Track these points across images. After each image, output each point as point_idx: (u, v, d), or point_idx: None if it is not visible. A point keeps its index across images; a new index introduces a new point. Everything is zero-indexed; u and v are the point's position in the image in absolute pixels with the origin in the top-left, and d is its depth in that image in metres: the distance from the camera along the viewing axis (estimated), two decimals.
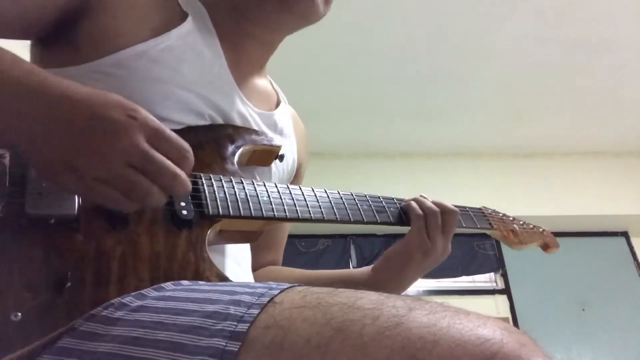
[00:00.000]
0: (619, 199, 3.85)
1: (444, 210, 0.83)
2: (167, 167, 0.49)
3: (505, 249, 3.86)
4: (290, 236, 1.01)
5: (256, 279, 0.86)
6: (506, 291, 3.74)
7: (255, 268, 0.90)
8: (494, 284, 3.84)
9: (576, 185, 3.88)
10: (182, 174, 0.50)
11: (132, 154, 0.48)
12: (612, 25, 2.88)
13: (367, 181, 3.65)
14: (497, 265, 3.83)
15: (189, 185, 0.52)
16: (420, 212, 0.81)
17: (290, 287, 0.45)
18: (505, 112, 3.65)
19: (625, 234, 4.02)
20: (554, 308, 3.65)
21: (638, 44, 3.02)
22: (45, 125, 0.47)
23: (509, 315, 3.61)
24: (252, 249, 0.82)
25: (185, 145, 0.52)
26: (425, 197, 0.85)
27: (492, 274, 3.88)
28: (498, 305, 3.67)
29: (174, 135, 0.51)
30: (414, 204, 0.83)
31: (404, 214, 0.82)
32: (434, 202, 0.84)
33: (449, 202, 0.86)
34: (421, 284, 3.74)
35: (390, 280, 0.83)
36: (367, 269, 0.87)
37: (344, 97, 3.45)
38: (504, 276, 3.79)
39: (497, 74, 3.26)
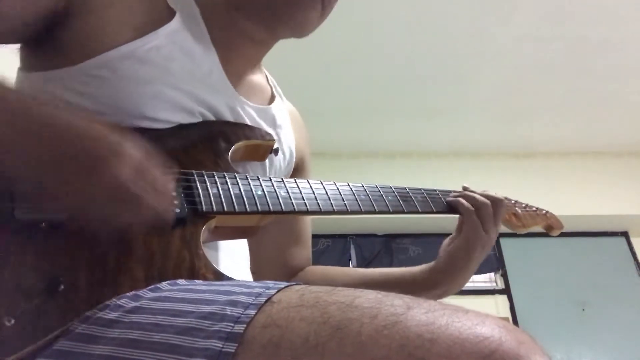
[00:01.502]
0: (619, 199, 3.85)
1: (492, 201, 0.85)
2: (145, 203, 0.52)
3: (505, 248, 3.86)
4: None
5: (309, 283, 0.87)
6: (506, 291, 3.74)
7: (294, 268, 0.91)
8: (494, 284, 3.84)
9: (576, 185, 3.88)
10: (161, 210, 0.53)
11: (114, 187, 0.50)
12: (612, 25, 2.88)
13: (367, 181, 3.63)
14: (497, 265, 3.83)
15: (169, 218, 0.55)
16: (470, 207, 0.83)
17: (288, 286, 0.45)
18: (505, 112, 3.65)
19: (625, 234, 4.02)
20: (554, 308, 3.64)
21: (638, 44, 3.02)
22: (30, 159, 0.48)
23: (508, 315, 3.61)
24: (281, 249, 0.84)
25: (167, 177, 0.55)
26: (471, 191, 0.87)
27: (492, 274, 3.87)
28: (498, 305, 3.67)
29: (155, 172, 0.54)
30: (463, 200, 0.84)
31: (450, 208, 0.84)
32: (481, 194, 0.86)
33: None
34: None
35: (457, 277, 0.84)
36: (425, 267, 0.87)
37: (344, 97, 3.45)
38: (504, 276, 3.79)
39: (497, 74, 3.26)
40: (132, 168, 0.51)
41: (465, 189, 0.88)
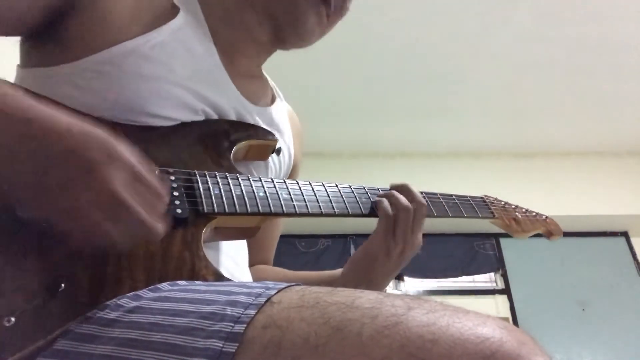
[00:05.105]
0: (619, 199, 3.85)
1: (416, 207, 0.78)
2: (136, 216, 0.47)
3: (505, 248, 3.86)
4: (290, 236, 1.00)
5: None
6: (506, 291, 3.74)
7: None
8: (494, 284, 3.84)
9: (576, 185, 3.88)
10: (152, 224, 0.49)
11: (103, 196, 0.45)
12: (612, 25, 2.88)
13: (367, 181, 3.62)
14: (497, 265, 3.83)
15: (157, 237, 0.50)
16: (389, 211, 0.77)
17: (288, 286, 0.45)
18: (505, 112, 3.65)
19: (625, 234, 4.02)
20: (554, 308, 3.64)
21: (638, 44, 3.02)
22: (16, 157, 0.44)
23: (508, 315, 3.61)
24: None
25: (162, 191, 0.51)
26: (399, 194, 0.79)
27: (492, 274, 3.87)
28: (498, 305, 3.67)
29: (152, 179, 0.50)
30: (385, 202, 0.78)
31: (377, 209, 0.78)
32: (408, 198, 0.79)
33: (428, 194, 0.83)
34: (421, 284, 3.74)
35: (359, 284, 0.78)
36: (337, 272, 0.84)
37: (344, 97, 3.45)
38: (504, 276, 3.79)
39: (498, 74, 3.26)
40: (127, 174, 0.47)
41: (405, 185, 0.81)
